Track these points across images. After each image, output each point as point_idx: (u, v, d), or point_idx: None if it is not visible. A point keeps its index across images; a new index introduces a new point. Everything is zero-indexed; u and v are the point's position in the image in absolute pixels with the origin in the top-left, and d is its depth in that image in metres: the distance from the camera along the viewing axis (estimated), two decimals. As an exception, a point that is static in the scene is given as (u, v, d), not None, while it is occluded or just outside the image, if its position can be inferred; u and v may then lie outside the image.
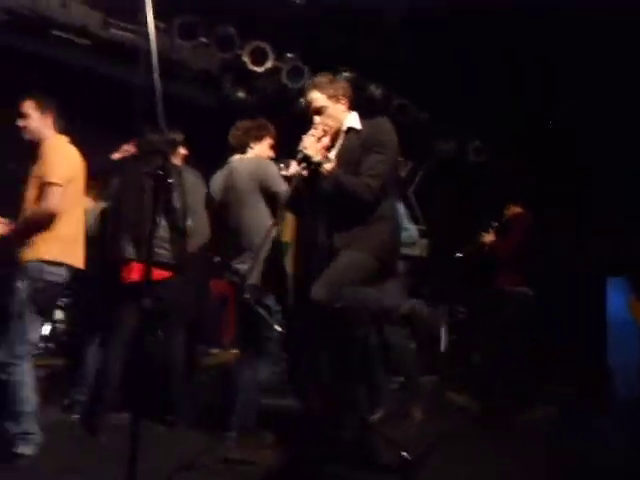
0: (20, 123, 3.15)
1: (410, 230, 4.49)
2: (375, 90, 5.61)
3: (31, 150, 3.22)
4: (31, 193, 3.12)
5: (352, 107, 2.99)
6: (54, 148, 3.12)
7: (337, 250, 2.81)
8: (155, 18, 2.08)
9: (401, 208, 4.53)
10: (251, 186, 3.30)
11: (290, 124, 5.59)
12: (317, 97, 2.92)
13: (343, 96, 2.95)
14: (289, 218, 6.22)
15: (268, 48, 5.15)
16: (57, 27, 4.65)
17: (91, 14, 4.73)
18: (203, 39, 4.94)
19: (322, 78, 2.99)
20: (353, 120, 2.94)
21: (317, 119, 2.88)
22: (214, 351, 5.49)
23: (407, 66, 5.32)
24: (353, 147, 2.86)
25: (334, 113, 2.91)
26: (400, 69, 5.36)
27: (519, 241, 4.72)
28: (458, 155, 6.60)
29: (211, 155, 3.99)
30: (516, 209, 4.91)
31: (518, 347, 4.69)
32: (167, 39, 4.82)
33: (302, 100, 3.24)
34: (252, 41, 5.11)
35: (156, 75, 2.06)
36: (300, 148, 2.76)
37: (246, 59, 5.10)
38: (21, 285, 3.04)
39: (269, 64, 5.18)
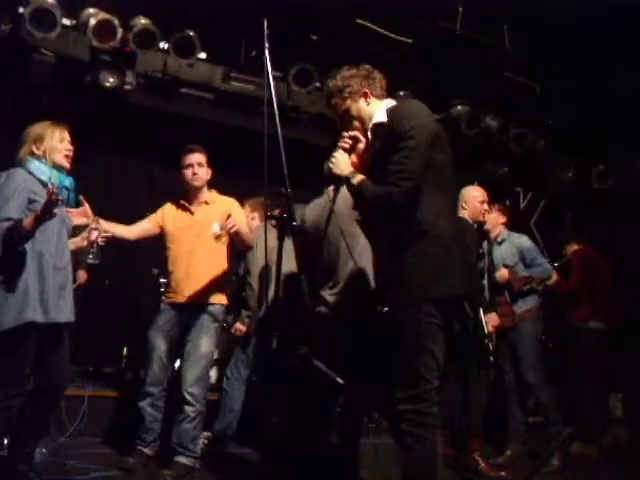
0: (196, 171, 3.46)
1: (543, 264, 4.36)
2: (491, 121, 5.51)
3: (184, 197, 3.54)
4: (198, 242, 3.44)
5: (383, 95, 2.47)
6: (235, 204, 3.54)
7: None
8: (272, 68, 2.20)
9: (527, 241, 4.40)
10: (352, 214, 3.25)
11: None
12: (333, 103, 2.44)
13: (366, 88, 2.43)
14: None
15: (380, 87, 5.23)
16: (185, 85, 5.05)
17: (214, 70, 5.09)
18: (317, 84, 5.13)
19: (332, 80, 2.47)
20: (379, 114, 2.40)
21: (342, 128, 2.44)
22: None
23: (524, 94, 5.21)
24: (381, 145, 2.33)
25: (357, 113, 2.42)
26: (516, 98, 5.24)
27: (581, 278, 4.78)
28: (581, 182, 6.30)
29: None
30: (573, 247, 4.97)
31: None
32: (283, 86, 5.06)
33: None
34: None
35: (278, 123, 2.17)
36: (325, 168, 2.41)
37: (359, 100, 5.22)
38: (212, 326, 3.38)
39: (381, 103, 5.25)
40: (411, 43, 4.90)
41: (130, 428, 3.49)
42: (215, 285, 3.43)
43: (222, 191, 3.64)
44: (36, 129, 2.84)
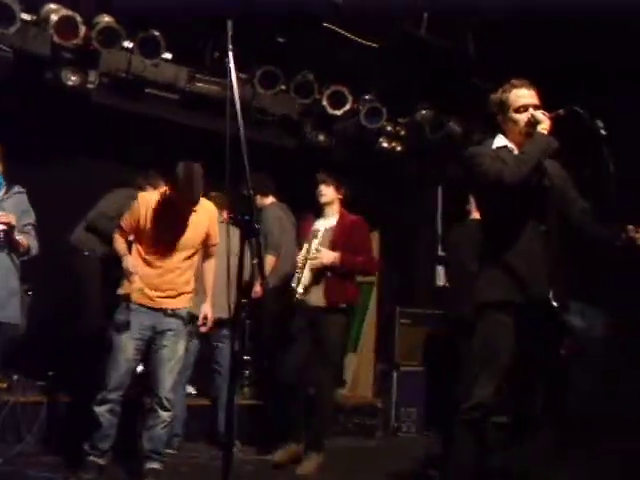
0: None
1: None
2: (454, 126, 5.58)
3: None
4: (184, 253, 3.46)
5: None
6: (214, 214, 3.58)
7: None
8: (237, 70, 2.18)
9: None
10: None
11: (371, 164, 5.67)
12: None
13: None
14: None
15: (346, 91, 5.26)
16: (149, 85, 4.98)
17: (179, 71, 5.04)
18: (283, 86, 5.12)
19: None
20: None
21: None
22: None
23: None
24: None
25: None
26: (481, 104, 5.30)
27: None
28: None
29: (295, 193, 4.12)
30: None
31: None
32: (249, 88, 5.04)
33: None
34: (330, 85, 5.25)
35: (241, 124, 2.16)
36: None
37: (325, 103, 5.23)
38: (185, 330, 3.45)
39: (347, 107, 5.28)
40: (376, 47, 4.92)
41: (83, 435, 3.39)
42: (187, 291, 3.48)
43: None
44: None
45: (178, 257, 3.41)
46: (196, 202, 3.34)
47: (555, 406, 2.90)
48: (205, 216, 3.47)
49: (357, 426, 5.22)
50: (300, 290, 3.94)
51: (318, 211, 4.23)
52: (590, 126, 2.62)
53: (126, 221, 3.44)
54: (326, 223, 4.15)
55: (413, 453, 4.56)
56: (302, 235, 4.26)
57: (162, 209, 3.36)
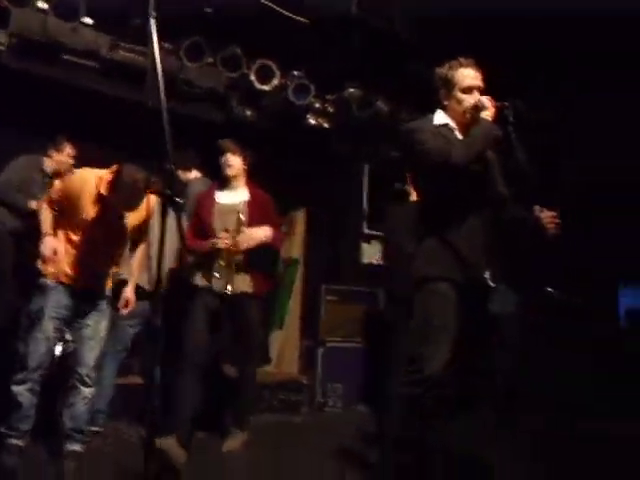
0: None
1: None
2: (381, 105, 5.62)
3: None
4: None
5: None
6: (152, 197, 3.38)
7: None
8: (163, 40, 2.10)
9: None
10: None
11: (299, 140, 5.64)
12: None
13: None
14: (298, 231, 6.23)
15: (274, 66, 5.19)
16: (67, 51, 4.72)
17: (100, 37, 4.80)
18: (210, 59, 4.99)
19: None
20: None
21: None
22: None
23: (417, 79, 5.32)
24: None
25: None
26: (410, 82, 5.35)
27: None
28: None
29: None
30: None
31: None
32: (175, 60, 4.88)
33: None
34: (258, 59, 5.16)
35: (162, 95, 2.09)
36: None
37: (252, 77, 5.15)
38: (108, 310, 3.41)
39: (275, 82, 5.22)
40: (308, 23, 4.87)
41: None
42: (111, 270, 3.43)
43: (104, 164, 3.46)
44: None
45: (108, 244, 3.35)
46: (135, 209, 3.28)
47: (487, 386, 2.97)
48: (144, 209, 3.38)
49: (282, 402, 5.26)
50: (223, 281, 3.75)
51: (221, 182, 3.97)
52: (503, 115, 2.67)
53: (57, 189, 3.30)
54: (234, 197, 3.91)
55: (339, 428, 4.64)
56: (203, 207, 3.92)
57: (99, 200, 3.24)
